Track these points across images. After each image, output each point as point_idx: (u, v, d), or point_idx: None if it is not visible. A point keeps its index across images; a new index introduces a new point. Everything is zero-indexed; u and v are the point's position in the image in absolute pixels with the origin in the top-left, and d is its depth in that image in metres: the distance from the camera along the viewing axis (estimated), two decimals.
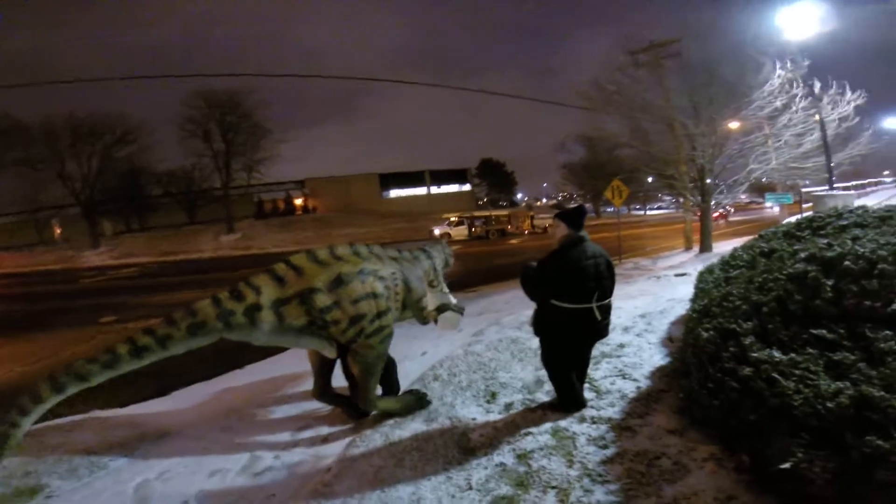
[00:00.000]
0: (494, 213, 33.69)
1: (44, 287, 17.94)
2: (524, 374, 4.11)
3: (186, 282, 16.29)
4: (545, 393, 3.66)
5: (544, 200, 77.47)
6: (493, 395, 3.73)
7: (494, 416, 3.39)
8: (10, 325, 10.11)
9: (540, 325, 3.22)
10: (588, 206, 55.30)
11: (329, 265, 3.21)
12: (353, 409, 3.59)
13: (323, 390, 3.65)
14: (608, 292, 3.10)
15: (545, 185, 78.74)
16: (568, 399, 3.28)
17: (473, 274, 12.73)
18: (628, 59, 13.98)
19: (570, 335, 3.11)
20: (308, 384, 4.44)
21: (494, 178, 63.49)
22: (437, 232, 29.13)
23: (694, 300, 4.06)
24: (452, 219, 30.87)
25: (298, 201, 48.11)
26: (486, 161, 62.36)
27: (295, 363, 5.15)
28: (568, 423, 3.13)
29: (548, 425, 3.14)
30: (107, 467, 3.24)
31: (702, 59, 12.12)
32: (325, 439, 3.38)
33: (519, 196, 71.30)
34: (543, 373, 3.96)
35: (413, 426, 3.34)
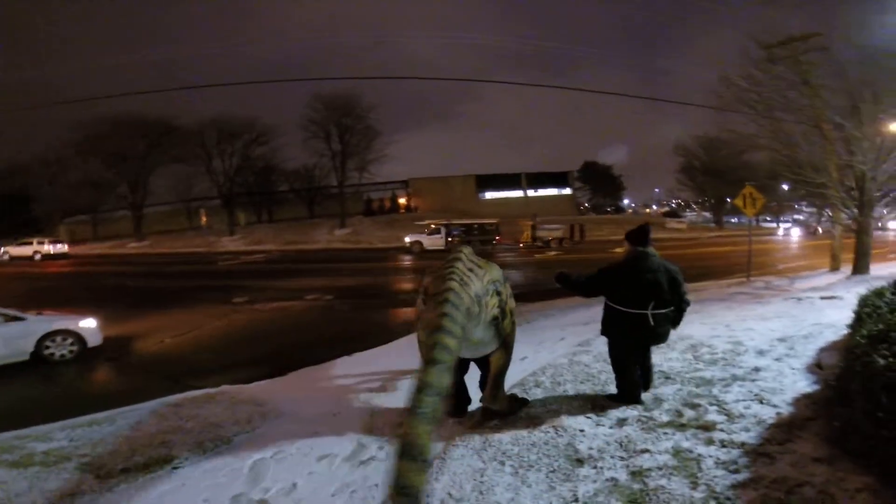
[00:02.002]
0: (479, 221, 28.63)
1: (189, 267, 20.84)
2: None
3: (304, 269, 17.87)
4: (665, 412, 3.36)
5: (654, 208, 71.87)
6: (604, 409, 3.49)
7: (605, 430, 3.17)
8: (160, 299, 11.79)
9: (605, 325, 3.58)
10: (707, 214, 50.45)
11: (486, 263, 3.32)
12: (454, 408, 3.58)
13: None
14: (665, 304, 3.39)
15: (657, 190, 72.30)
16: (624, 391, 3.55)
17: None
18: (762, 54, 12.26)
19: (625, 335, 3.46)
20: (408, 378, 4.54)
21: (599, 183, 60.47)
22: (407, 240, 25.80)
23: (859, 325, 3.48)
24: (432, 226, 26.66)
25: (402, 200, 50.33)
26: (590, 164, 59.55)
27: (396, 355, 5.33)
28: (692, 445, 2.87)
29: (668, 444, 2.89)
30: (230, 442, 3.50)
31: (860, 52, 10.28)
32: None
33: (626, 202, 67.18)
34: (660, 390, 3.71)
35: (514, 431, 3.23)
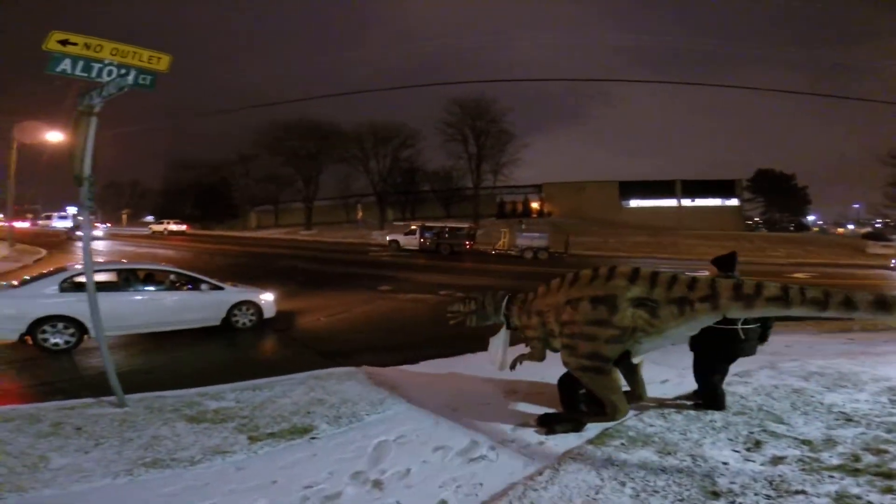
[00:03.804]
0: (451, 224, 28.80)
1: (344, 255, 23.38)
2: (807, 429, 3.28)
3: (438, 266, 18.79)
4: (837, 455, 2.87)
5: (851, 227, 59.08)
6: (758, 444, 3.07)
7: (754, 466, 2.79)
8: (319, 282, 13.28)
9: (694, 340, 3.72)
10: None
11: None
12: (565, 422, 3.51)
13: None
14: (754, 320, 3.55)
15: (856, 205, 59.15)
16: (710, 400, 3.80)
17: None
18: None
19: (717, 349, 3.70)
20: (530, 382, 4.49)
21: (775, 194, 51.66)
22: (387, 238, 28.07)
23: None
24: (412, 227, 27.76)
25: (535, 205, 49.61)
26: (765, 172, 51.16)
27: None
28: (862, 492, 2.45)
29: (832, 488, 2.48)
30: (362, 420, 3.75)
31: None
32: (541, 443, 3.30)
33: (811, 218, 56.44)
34: (836, 433, 3.22)
35: (642, 453, 3.00)
